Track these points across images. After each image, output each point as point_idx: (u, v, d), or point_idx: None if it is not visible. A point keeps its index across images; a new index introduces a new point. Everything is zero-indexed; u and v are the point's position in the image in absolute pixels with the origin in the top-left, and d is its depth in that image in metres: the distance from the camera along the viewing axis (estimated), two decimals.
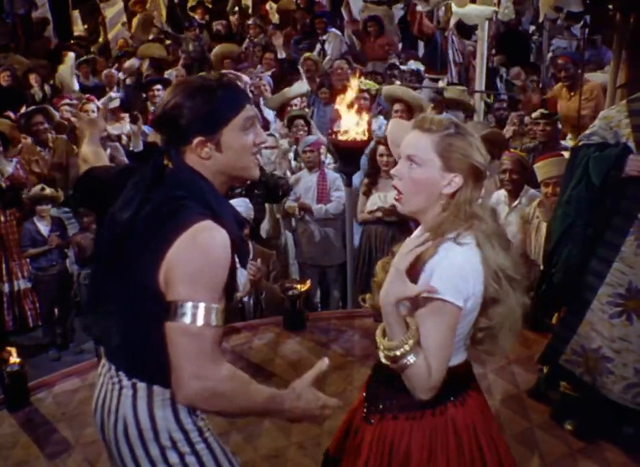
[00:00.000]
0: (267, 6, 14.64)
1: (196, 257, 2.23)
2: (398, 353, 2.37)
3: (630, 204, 4.06)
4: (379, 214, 6.30)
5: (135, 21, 14.56)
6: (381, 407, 2.70)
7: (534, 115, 7.29)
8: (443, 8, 10.02)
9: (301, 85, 8.69)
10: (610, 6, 5.66)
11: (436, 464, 2.57)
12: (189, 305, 2.22)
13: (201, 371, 2.23)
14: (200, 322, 2.22)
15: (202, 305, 2.22)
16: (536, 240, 5.70)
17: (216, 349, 2.29)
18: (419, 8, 10.18)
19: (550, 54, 10.83)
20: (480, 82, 8.43)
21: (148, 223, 2.31)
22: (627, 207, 4.07)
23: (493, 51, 10.83)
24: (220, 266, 2.26)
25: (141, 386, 2.44)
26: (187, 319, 2.21)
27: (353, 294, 6.04)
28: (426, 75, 10.20)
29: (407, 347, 2.35)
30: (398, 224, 6.34)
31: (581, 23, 9.67)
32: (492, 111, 8.59)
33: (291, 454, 4.21)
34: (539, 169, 5.77)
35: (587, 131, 4.29)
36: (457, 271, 2.39)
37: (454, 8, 9.19)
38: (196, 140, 2.33)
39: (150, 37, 13.65)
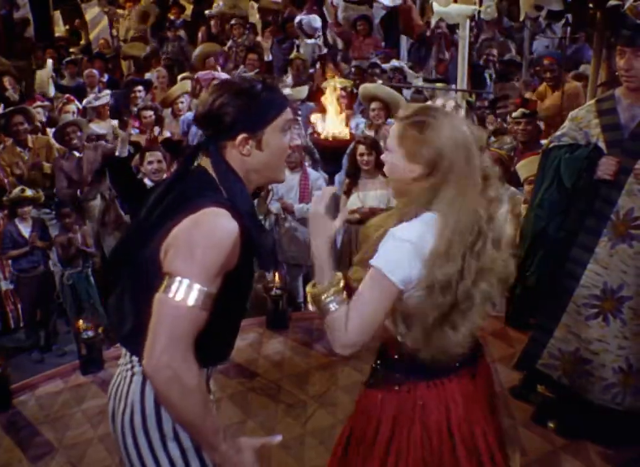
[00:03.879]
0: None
1: (195, 235, 2.28)
2: (322, 297, 2.47)
3: (602, 205, 4.08)
4: (357, 216, 6.32)
5: (133, 13, 14.54)
6: (371, 381, 2.82)
7: (515, 114, 7.31)
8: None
9: (304, 89, 8.73)
10: (590, 5, 5.67)
11: (400, 437, 2.67)
12: (176, 278, 2.26)
13: (173, 351, 2.24)
14: (179, 296, 2.25)
15: (186, 281, 2.25)
16: None
17: (191, 334, 2.29)
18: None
19: (532, 55, 10.91)
20: (462, 81, 8.44)
21: (166, 208, 2.40)
22: (600, 208, 4.09)
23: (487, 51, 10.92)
24: (217, 248, 2.28)
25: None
26: (170, 292, 2.25)
27: None
28: (412, 73, 10.23)
29: (330, 293, 2.46)
30: None
31: (563, 21, 9.75)
32: (475, 110, 8.59)
33: (274, 453, 4.22)
34: (522, 168, 5.80)
35: (558, 133, 4.31)
36: (406, 246, 2.44)
37: (436, 7, 9.21)
38: (240, 136, 2.41)
39: (135, 35, 13.64)
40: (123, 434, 2.52)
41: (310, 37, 11.67)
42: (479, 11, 8.54)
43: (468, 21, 8.55)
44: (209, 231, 2.29)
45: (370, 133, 7.54)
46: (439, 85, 9.17)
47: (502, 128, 7.73)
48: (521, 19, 6.69)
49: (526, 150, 6.80)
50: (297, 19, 11.86)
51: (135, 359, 2.49)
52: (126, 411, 2.49)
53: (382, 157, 2.68)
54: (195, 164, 2.53)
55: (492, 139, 7.37)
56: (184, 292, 2.25)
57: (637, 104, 4.04)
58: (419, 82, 9.53)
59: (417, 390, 2.67)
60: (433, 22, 10.10)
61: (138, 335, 2.35)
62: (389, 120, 7.69)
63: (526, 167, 5.72)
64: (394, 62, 9.49)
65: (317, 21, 11.78)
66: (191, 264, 2.27)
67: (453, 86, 9.17)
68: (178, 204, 2.36)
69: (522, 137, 7.08)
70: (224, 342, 2.64)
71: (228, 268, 2.35)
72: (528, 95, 8.53)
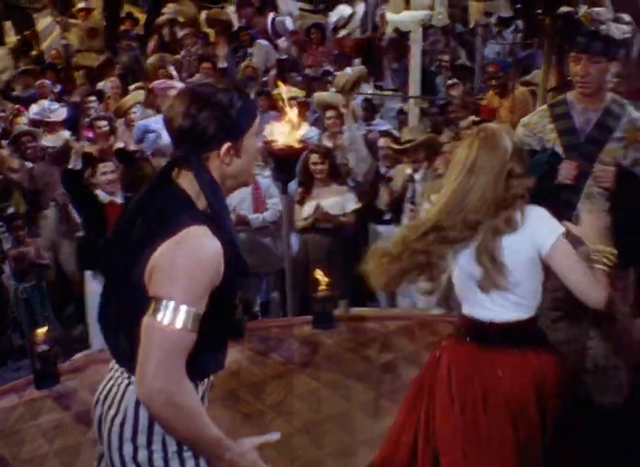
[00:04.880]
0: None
1: (179, 257, 2.29)
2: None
3: (563, 209, 4.12)
4: (316, 217, 6.35)
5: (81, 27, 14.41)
6: None
7: (464, 123, 7.37)
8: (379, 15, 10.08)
9: None
10: (539, 11, 5.76)
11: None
12: (162, 302, 2.28)
13: (165, 375, 2.27)
14: (166, 320, 2.27)
15: (172, 304, 2.27)
16: None
17: (182, 356, 2.31)
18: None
19: (484, 61, 11.00)
20: (415, 87, 8.49)
21: (146, 228, 2.40)
22: (561, 212, 4.14)
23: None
24: (202, 269, 2.30)
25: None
26: (157, 316, 2.27)
27: (292, 302, 6.04)
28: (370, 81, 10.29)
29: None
30: (334, 232, 6.42)
31: (513, 27, 9.87)
32: (428, 116, 8.65)
33: None
34: None
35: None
36: None
37: (389, 16, 9.29)
38: (225, 146, 2.42)
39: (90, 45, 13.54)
40: (110, 440, 2.51)
41: (280, 37, 11.76)
42: (431, 18, 8.63)
43: (420, 27, 8.63)
44: (193, 252, 2.30)
45: (327, 141, 7.58)
46: (388, 92, 9.23)
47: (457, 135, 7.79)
48: (471, 25, 6.76)
49: None
50: (270, 17, 11.93)
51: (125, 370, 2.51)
52: (117, 418, 2.49)
53: None
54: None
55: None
56: (171, 315, 2.27)
57: (591, 108, 4.13)
58: (370, 90, 9.57)
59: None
60: (388, 30, 10.17)
61: (131, 353, 2.37)
62: (344, 127, 7.74)
63: None
64: (347, 70, 9.52)
65: (290, 23, 11.87)
66: (177, 287, 2.28)
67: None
68: (158, 224, 2.36)
69: None
70: (216, 355, 2.64)
71: (213, 287, 2.36)
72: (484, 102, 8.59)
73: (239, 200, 6.88)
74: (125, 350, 2.48)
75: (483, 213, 3.14)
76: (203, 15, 13.71)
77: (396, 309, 6.58)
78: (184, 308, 2.27)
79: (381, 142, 7.29)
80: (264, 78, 10.82)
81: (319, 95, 8.18)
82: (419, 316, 5.91)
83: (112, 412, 2.51)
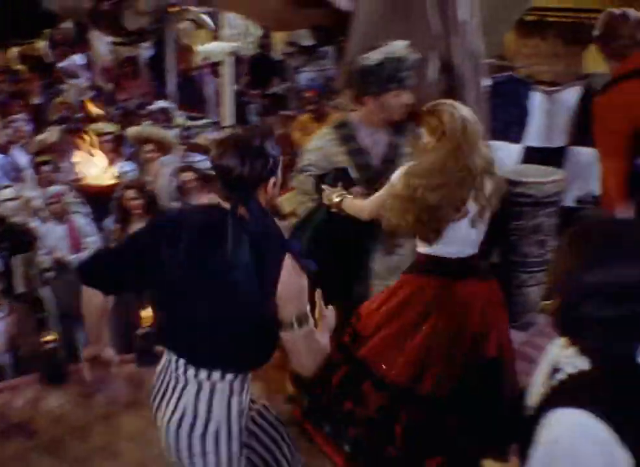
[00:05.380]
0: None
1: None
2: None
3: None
4: None
5: None
6: None
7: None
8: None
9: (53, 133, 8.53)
10: (340, 39, 5.92)
11: None
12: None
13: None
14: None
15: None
16: None
17: None
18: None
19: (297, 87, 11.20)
20: (228, 117, 8.57)
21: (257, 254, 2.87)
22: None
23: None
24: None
25: (207, 382, 2.96)
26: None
27: (115, 340, 5.92)
28: (184, 113, 10.25)
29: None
30: None
31: (326, 54, 10.11)
32: None
33: None
34: (287, 200, 5.88)
35: (302, 164, 4.49)
36: None
37: (199, 47, 9.35)
38: (271, 181, 2.95)
39: None
40: (178, 431, 3.00)
41: (74, 76, 11.53)
42: (240, 48, 8.75)
43: (230, 57, 8.73)
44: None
45: (143, 176, 7.50)
46: (203, 122, 9.26)
47: None
48: (277, 54, 6.91)
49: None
50: (59, 65, 11.69)
51: (216, 373, 2.96)
52: (176, 413, 3.00)
53: None
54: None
55: None
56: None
57: (380, 129, 4.33)
58: (183, 121, 9.56)
59: None
60: (198, 61, 10.21)
61: (214, 354, 2.96)
62: (162, 159, 7.69)
63: (290, 200, 5.82)
64: (161, 103, 9.49)
65: (79, 59, 11.65)
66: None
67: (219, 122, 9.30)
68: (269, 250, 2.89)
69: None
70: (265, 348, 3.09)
71: None
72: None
73: (56, 241, 6.72)
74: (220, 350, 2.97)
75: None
76: (14, 51, 13.34)
77: None
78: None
79: (183, 177, 7.21)
80: (78, 115, 10.61)
81: (135, 129, 8.09)
82: None
83: (170, 409, 3.02)
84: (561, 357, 2.10)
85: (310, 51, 7.36)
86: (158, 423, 3.12)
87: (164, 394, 3.07)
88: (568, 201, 6.25)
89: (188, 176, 7.17)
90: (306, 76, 11.67)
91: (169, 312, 3.07)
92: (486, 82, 5.60)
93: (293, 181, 4.60)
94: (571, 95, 6.50)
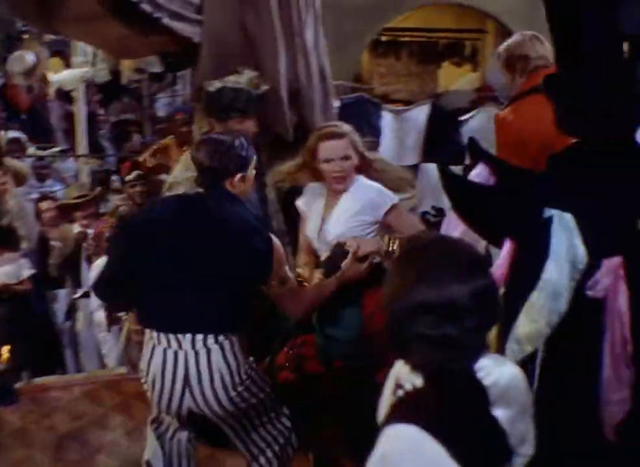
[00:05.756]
0: None
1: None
2: None
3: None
4: None
5: None
6: None
7: (129, 177, 7.37)
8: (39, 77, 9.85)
9: None
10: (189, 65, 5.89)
11: None
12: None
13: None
14: None
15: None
16: None
17: None
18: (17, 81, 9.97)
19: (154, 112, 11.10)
20: (83, 145, 8.41)
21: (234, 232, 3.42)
22: None
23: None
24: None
25: (226, 342, 3.35)
26: None
27: None
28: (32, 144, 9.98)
29: None
30: (12, 301, 6.23)
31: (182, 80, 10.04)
32: (96, 174, 8.60)
33: None
34: None
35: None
36: None
37: (51, 76, 9.16)
38: (238, 176, 3.48)
39: None
40: (215, 394, 3.35)
41: None
42: (93, 75, 8.59)
43: (82, 84, 8.58)
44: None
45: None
46: (53, 151, 9.07)
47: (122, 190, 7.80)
48: (124, 82, 6.83)
49: None
50: None
51: (210, 338, 3.32)
52: (215, 381, 3.33)
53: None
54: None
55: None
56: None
57: None
58: (34, 150, 9.33)
59: None
60: (51, 91, 9.96)
61: (210, 316, 3.35)
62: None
63: None
64: (12, 133, 9.24)
65: None
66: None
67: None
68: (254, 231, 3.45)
69: (140, 199, 7.12)
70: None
71: None
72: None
73: None
74: (213, 316, 3.36)
75: None
76: None
77: (81, 374, 6.42)
78: None
79: (43, 206, 7.13)
80: None
81: None
82: (104, 378, 5.80)
83: (206, 376, 3.33)
84: (402, 373, 2.14)
85: (160, 78, 7.31)
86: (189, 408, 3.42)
87: (186, 377, 3.34)
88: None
89: (46, 205, 7.08)
90: (163, 102, 11.61)
91: (158, 296, 3.41)
92: (335, 103, 5.69)
93: None
94: (420, 114, 6.65)
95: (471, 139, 3.30)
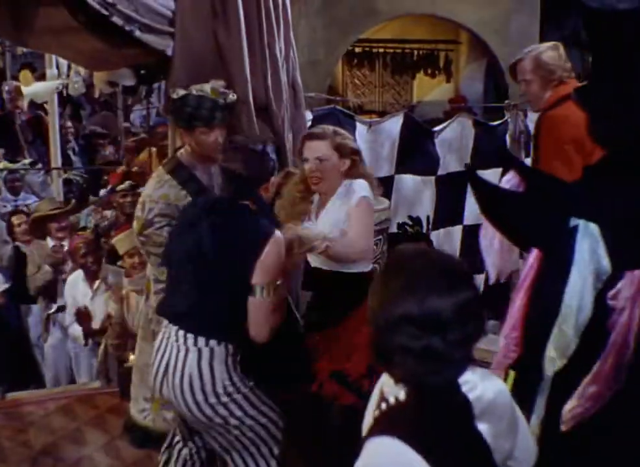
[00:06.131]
0: None
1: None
2: None
3: None
4: None
5: None
6: None
7: (122, 186, 7.34)
8: (7, 89, 9.78)
9: None
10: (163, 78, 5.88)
11: None
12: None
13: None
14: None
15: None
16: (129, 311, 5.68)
17: None
18: None
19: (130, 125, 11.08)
20: (55, 158, 8.36)
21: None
22: None
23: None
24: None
25: (205, 349, 3.42)
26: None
27: None
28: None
29: None
30: None
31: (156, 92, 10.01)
32: (76, 186, 8.55)
33: None
34: (121, 242, 5.80)
35: (148, 216, 4.22)
36: None
37: (24, 89, 9.11)
38: (271, 180, 3.65)
39: None
40: (182, 394, 3.43)
41: None
42: (67, 87, 8.53)
43: (55, 97, 8.54)
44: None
45: None
46: (22, 164, 9.02)
47: (103, 202, 7.76)
48: (96, 95, 6.79)
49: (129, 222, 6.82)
50: None
51: (190, 337, 3.43)
52: (184, 379, 3.41)
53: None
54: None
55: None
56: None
57: (210, 164, 4.30)
58: (3, 164, 9.24)
59: None
60: (25, 104, 9.89)
61: (203, 318, 3.45)
62: None
63: (124, 241, 5.74)
64: None
65: None
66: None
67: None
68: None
69: (130, 209, 7.08)
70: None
71: None
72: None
73: None
74: (200, 314, 3.47)
75: None
76: None
77: (55, 389, 6.37)
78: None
79: (15, 220, 7.09)
80: None
81: None
82: (78, 393, 5.78)
83: (178, 376, 3.44)
84: (387, 386, 2.15)
85: (133, 90, 7.28)
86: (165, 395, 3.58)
87: (167, 366, 3.48)
88: (394, 227, 6.40)
89: (18, 219, 7.04)
90: (138, 114, 11.60)
91: (170, 289, 3.67)
92: (308, 115, 5.69)
93: (141, 237, 4.30)
94: (394, 125, 6.66)
95: (502, 148, 3.38)
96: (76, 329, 6.24)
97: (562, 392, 2.72)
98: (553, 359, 2.71)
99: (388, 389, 2.13)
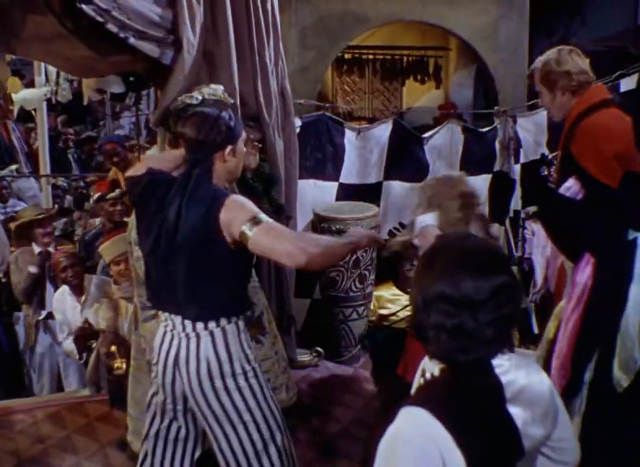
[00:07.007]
0: None
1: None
2: None
3: None
4: None
5: None
6: None
7: (112, 195, 7.30)
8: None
9: None
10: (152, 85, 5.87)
11: None
12: (249, 223, 3.20)
13: (300, 244, 3.22)
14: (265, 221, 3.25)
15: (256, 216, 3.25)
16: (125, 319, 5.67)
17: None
18: None
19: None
20: (45, 165, 8.34)
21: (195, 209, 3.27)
22: None
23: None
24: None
25: (217, 330, 3.35)
26: (258, 226, 3.21)
27: None
28: None
29: None
30: None
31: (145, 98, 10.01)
32: (69, 192, 8.55)
33: None
34: (107, 250, 5.79)
35: None
36: None
37: (14, 96, 9.06)
38: (227, 148, 3.40)
39: None
40: (200, 383, 3.35)
41: None
42: (55, 94, 8.50)
43: (44, 104, 8.51)
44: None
45: None
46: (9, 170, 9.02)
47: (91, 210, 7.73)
48: (85, 102, 6.77)
49: (118, 229, 6.80)
50: None
51: (198, 321, 3.34)
52: (201, 366, 3.33)
53: None
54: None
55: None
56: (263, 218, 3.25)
57: None
58: None
59: None
60: (15, 110, 9.86)
61: (197, 304, 3.34)
62: None
63: (111, 249, 5.73)
64: None
65: None
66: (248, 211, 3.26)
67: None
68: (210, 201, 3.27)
69: (119, 217, 7.08)
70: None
71: None
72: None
73: None
74: (199, 302, 3.35)
75: None
76: None
77: (44, 396, 6.35)
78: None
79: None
80: None
81: None
82: (67, 400, 5.76)
83: (193, 364, 3.34)
84: (427, 363, 2.30)
85: (122, 97, 7.25)
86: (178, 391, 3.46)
87: (177, 358, 3.39)
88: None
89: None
90: (127, 120, 11.60)
91: (156, 281, 3.49)
92: (297, 122, 5.71)
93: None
94: (383, 131, 6.68)
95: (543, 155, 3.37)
96: (70, 344, 6.17)
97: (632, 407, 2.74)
98: (620, 377, 2.72)
99: (427, 366, 2.28)
